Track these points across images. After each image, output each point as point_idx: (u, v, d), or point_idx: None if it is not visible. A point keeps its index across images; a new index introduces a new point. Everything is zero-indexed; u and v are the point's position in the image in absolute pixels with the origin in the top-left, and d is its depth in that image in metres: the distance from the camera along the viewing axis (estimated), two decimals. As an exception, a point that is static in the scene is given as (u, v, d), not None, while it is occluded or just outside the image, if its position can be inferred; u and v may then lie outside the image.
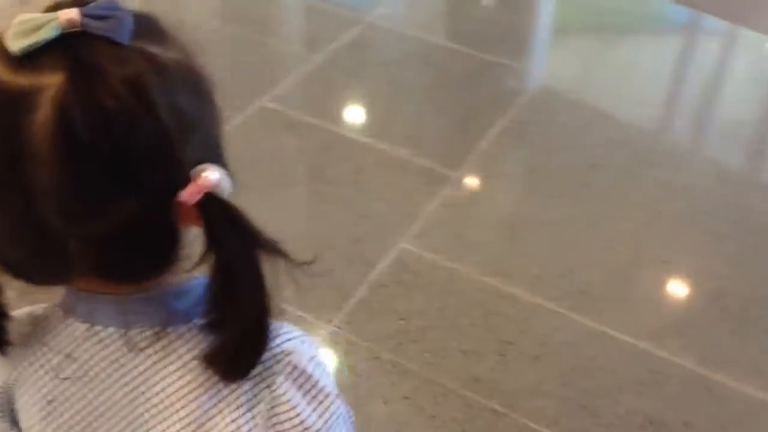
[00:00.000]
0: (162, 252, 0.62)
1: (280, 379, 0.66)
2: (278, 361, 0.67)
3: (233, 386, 0.65)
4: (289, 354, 0.67)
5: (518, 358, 1.91)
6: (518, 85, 2.90)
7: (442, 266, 2.12)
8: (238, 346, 0.64)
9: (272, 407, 0.67)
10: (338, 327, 1.94)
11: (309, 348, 0.70)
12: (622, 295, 2.09)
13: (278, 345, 0.67)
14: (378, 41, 3.11)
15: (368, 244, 2.18)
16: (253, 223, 0.61)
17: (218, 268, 0.60)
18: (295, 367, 0.67)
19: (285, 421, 0.67)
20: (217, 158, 0.61)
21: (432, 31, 3.13)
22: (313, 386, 0.68)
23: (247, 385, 0.66)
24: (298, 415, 0.67)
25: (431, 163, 2.46)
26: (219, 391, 0.65)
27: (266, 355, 0.66)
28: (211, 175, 0.57)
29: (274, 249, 0.63)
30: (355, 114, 2.73)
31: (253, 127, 2.55)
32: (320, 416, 0.68)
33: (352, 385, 1.80)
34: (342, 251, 2.15)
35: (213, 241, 0.59)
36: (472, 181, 2.44)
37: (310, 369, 0.68)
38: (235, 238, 0.60)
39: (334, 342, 1.91)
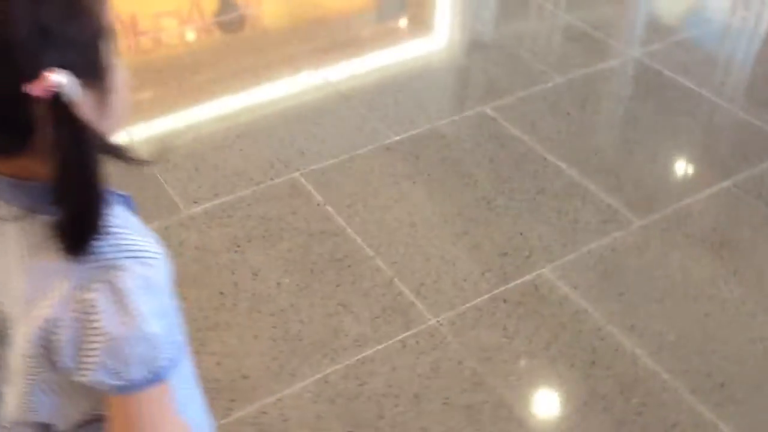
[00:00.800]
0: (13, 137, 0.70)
1: (98, 287, 0.72)
2: (107, 272, 0.73)
3: (62, 272, 0.73)
4: (119, 270, 0.73)
5: (602, 417, 1.79)
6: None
7: (573, 302, 2.04)
8: (72, 225, 0.72)
9: (85, 311, 0.73)
10: (440, 323, 1.98)
11: (144, 269, 0.75)
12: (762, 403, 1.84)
13: (117, 257, 0.74)
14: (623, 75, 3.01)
15: (511, 260, 2.16)
16: (93, 127, 0.70)
17: (56, 160, 0.69)
18: (115, 285, 0.73)
19: (91, 326, 0.73)
20: (84, 69, 0.70)
21: (689, 76, 2.94)
22: (128, 304, 0.73)
23: (74, 279, 0.73)
24: (101, 322, 0.73)
25: (618, 204, 2.35)
26: (48, 273, 0.74)
27: (102, 262, 0.73)
28: (54, 77, 0.66)
29: (115, 151, 0.73)
30: (559, 137, 2.68)
31: (471, 127, 2.67)
32: (126, 329, 0.73)
33: (422, 379, 1.84)
34: (484, 258, 2.16)
35: (54, 137, 0.68)
36: (652, 235, 2.28)
37: (132, 288, 0.73)
38: (71, 136, 0.68)
39: (429, 334, 1.95)
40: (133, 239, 0.75)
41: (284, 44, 3.19)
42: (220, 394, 1.79)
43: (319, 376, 1.84)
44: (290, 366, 1.87)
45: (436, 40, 3.44)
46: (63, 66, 0.66)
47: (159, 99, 2.85)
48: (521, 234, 2.25)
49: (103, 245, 0.72)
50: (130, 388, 0.76)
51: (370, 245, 2.19)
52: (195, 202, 2.32)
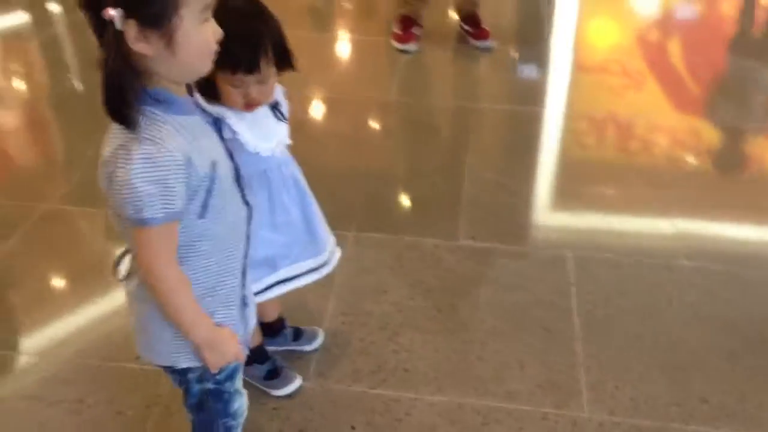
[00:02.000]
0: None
1: (123, 147, 1.16)
2: (131, 141, 1.16)
3: (114, 136, 1.19)
4: (137, 142, 1.15)
5: None
6: None
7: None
8: (108, 107, 1.15)
9: (115, 163, 1.18)
10: (590, 419, 1.99)
11: (152, 148, 1.15)
12: None
13: (140, 136, 1.15)
14: None
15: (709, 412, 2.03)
16: (132, 54, 1.12)
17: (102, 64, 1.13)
18: (129, 149, 1.15)
19: (114, 173, 1.18)
20: (143, 17, 1.10)
21: None
22: (130, 163, 1.15)
23: (117, 141, 1.18)
24: (115, 171, 1.17)
25: None
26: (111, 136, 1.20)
27: (132, 135, 1.15)
28: (111, 11, 1.08)
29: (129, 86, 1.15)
30: None
31: None
32: (123, 178, 1.15)
33: None
34: (686, 395, 2.07)
35: (104, 49, 1.12)
36: None
37: (138, 155, 1.14)
38: (110, 53, 1.11)
39: (573, 423, 1.99)
40: (152, 130, 1.18)
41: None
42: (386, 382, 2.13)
43: (457, 399, 2.05)
44: (445, 381, 2.11)
45: None
46: (123, 8, 1.10)
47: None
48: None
49: (137, 124, 1.17)
50: (130, 222, 1.20)
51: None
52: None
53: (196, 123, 1.26)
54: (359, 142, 3.31)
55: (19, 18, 4.49)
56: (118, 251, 1.41)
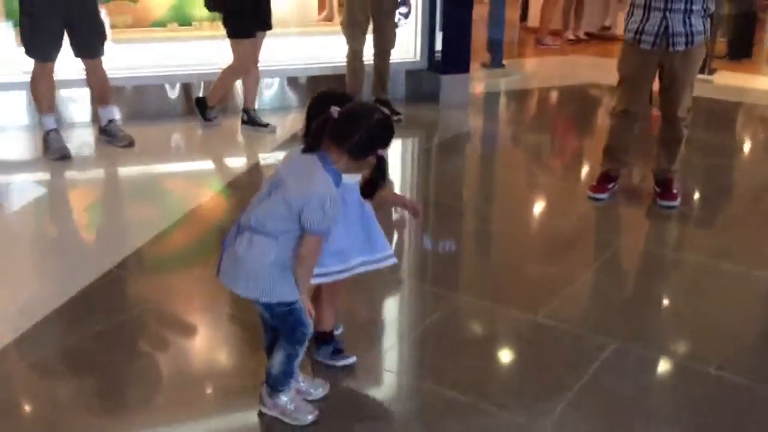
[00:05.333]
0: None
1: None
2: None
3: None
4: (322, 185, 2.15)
5: None
6: None
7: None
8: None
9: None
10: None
11: (325, 191, 2.14)
12: None
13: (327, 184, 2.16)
14: None
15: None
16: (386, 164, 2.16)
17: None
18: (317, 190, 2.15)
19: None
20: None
21: None
22: (315, 200, 2.12)
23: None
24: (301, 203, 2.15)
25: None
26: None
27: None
28: (382, 151, 2.18)
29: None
30: None
31: None
32: (305, 204, 2.13)
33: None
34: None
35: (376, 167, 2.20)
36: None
37: (318, 196, 2.13)
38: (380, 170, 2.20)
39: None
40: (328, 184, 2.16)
41: None
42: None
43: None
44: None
45: None
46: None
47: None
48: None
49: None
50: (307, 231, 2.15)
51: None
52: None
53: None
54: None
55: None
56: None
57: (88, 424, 2.38)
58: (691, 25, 3.86)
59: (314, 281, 2.38)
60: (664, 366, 2.72)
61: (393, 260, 2.56)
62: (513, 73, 8.00)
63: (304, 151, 2.20)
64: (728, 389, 2.58)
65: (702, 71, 7.96)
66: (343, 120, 2.15)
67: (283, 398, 2.35)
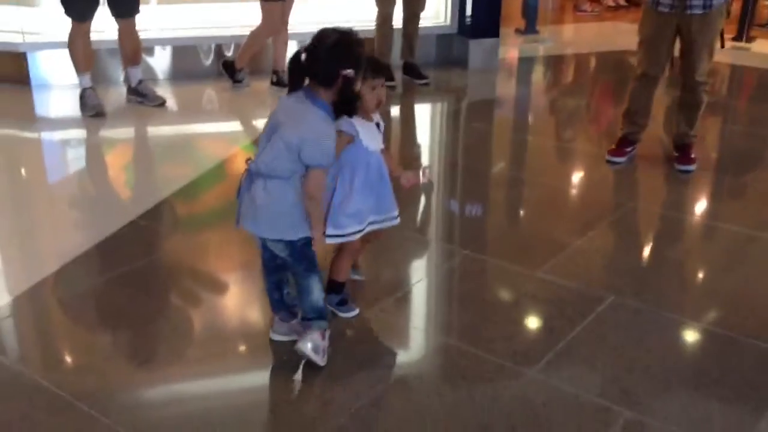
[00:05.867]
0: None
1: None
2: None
3: None
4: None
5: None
6: None
7: None
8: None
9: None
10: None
11: (324, 127, 2.27)
12: None
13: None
14: None
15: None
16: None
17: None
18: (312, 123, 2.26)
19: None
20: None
21: None
22: (313, 132, 2.25)
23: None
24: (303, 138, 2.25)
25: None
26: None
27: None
28: (347, 72, 2.23)
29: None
30: None
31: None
32: (308, 139, 2.24)
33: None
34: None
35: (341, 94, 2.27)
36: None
37: (315, 129, 2.25)
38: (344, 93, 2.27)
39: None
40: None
41: None
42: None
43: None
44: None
45: None
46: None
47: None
48: None
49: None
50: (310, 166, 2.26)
51: None
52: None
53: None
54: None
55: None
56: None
57: (114, 343, 2.61)
58: None
59: (333, 241, 2.53)
60: (658, 320, 2.78)
61: (397, 221, 2.67)
62: (547, 40, 7.99)
63: (289, 92, 2.32)
64: (722, 344, 2.64)
65: (739, 38, 7.92)
66: (308, 54, 2.23)
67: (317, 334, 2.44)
